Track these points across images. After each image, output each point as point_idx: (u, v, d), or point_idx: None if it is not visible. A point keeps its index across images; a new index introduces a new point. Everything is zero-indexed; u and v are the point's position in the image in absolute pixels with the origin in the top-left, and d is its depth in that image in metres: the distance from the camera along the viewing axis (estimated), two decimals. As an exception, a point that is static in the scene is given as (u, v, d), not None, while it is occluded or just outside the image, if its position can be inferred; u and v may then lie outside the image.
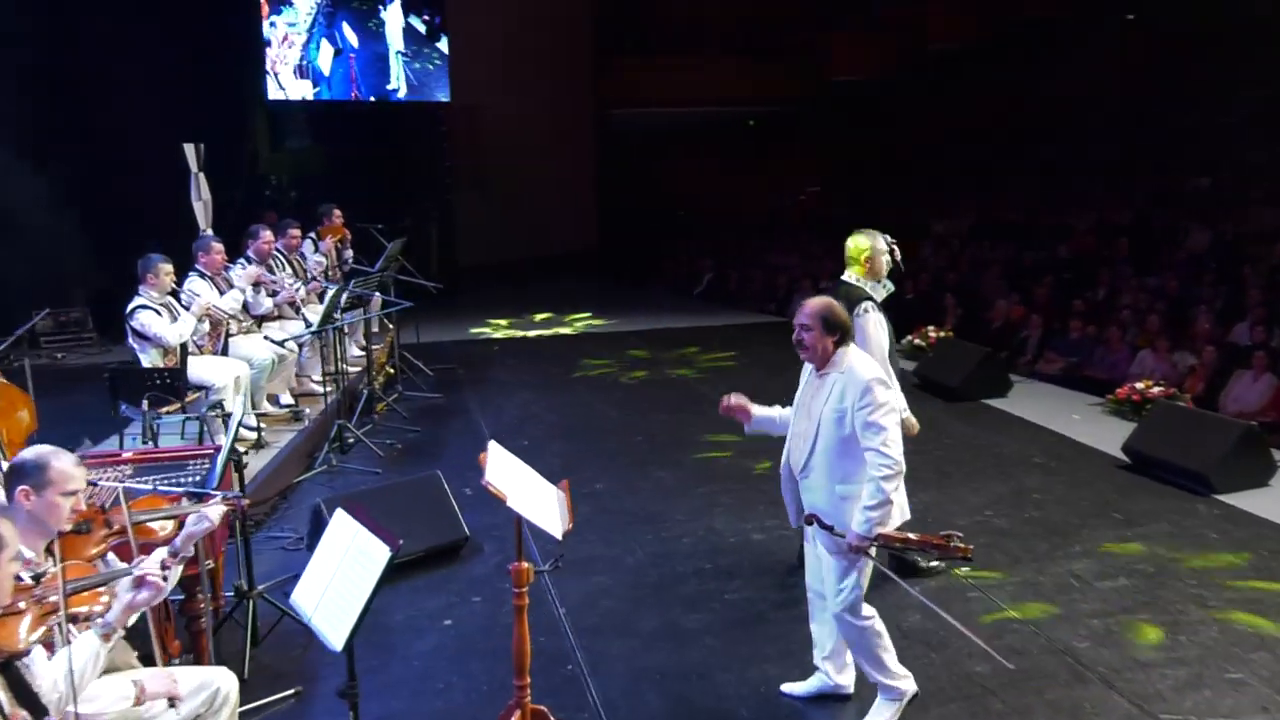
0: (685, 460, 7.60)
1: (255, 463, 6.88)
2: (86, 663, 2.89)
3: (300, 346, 8.11)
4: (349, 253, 9.94)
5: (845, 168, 20.49)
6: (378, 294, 9.69)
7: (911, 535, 3.85)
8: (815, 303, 3.96)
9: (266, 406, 7.99)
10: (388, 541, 3.29)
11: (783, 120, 20.79)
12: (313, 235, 9.70)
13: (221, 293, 7.46)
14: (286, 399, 8.11)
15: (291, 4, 14.04)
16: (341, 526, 3.49)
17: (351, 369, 9.18)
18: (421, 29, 15.09)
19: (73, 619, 2.91)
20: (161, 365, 6.81)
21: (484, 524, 6.39)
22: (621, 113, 18.84)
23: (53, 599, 2.78)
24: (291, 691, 4.53)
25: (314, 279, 8.80)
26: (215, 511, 3.49)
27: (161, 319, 6.78)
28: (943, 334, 10.55)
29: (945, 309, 12.52)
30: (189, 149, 9.25)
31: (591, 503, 6.78)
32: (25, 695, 2.72)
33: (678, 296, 16.14)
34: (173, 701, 3.26)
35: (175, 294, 6.96)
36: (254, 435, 7.24)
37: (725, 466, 7.43)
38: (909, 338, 10.72)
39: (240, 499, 4.05)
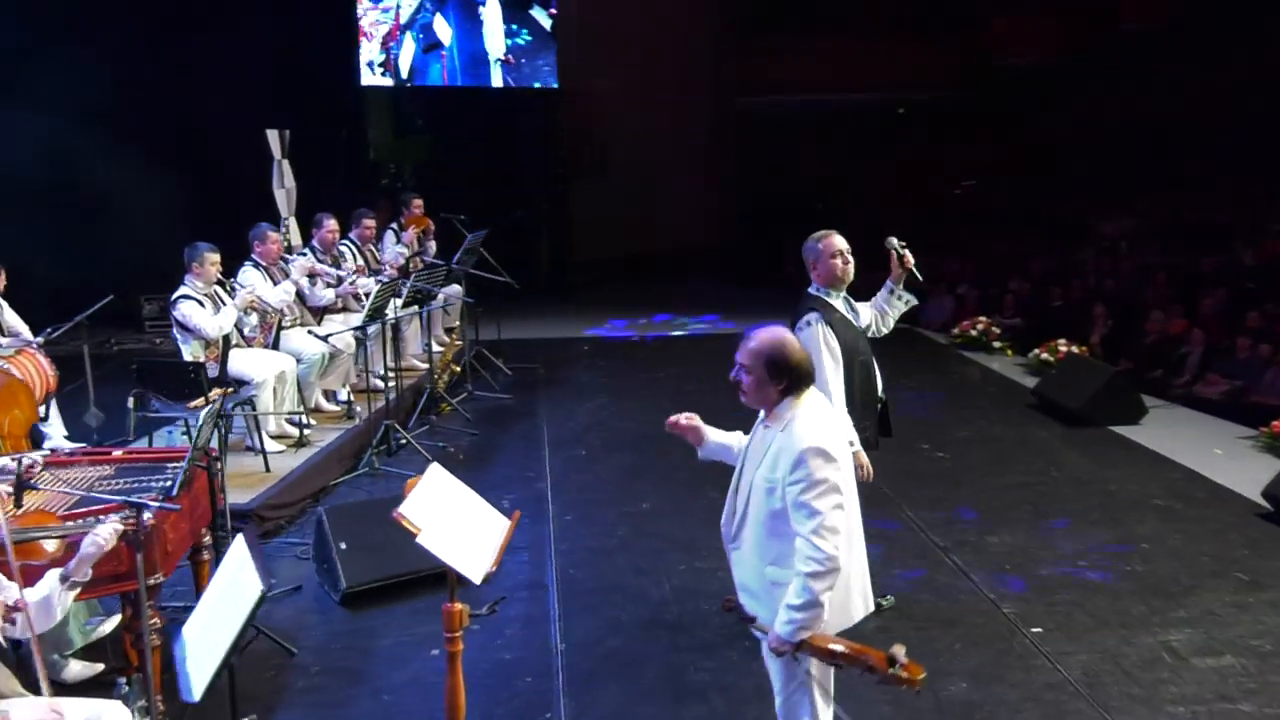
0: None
1: (289, 463, 6.80)
2: None
3: (361, 341, 8.00)
4: (431, 244, 9.84)
5: (1007, 161, 19.23)
6: (457, 287, 9.58)
7: (841, 648, 3.07)
8: (764, 336, 3.18)
9: (321, 402, 7.95)
10: (262, 577, 2.98)
11: (938, 108, 19.68)
12: (394, 226, 9.65)
13: (276, 283, 7.41)
14: (345, 395, 8.02)
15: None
16: (235, 554, 3.22)
17: (423, 366, 9.07)
18: (531, 12, 14.90)
19: None
20: (202, 357, 6.82)
21: (509, 544, 6.08)
22: (752, 100, 18.21)
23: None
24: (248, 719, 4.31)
25: (383, 271, 8.69)
26: (105, 531, 3.28)
27: (204, 310, 6.77)
28: (1073, 348, 9.55)
29: (1093, 319, 11.44)
30: (272, 135, 9.34)
31: (632, 524, 6.39)
32: None
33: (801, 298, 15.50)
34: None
35: (223, 284, 6.94)
36: (296, 433, 7.16)
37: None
38: (1036, 351, 9.81)
39: (162, 509, 3.85)
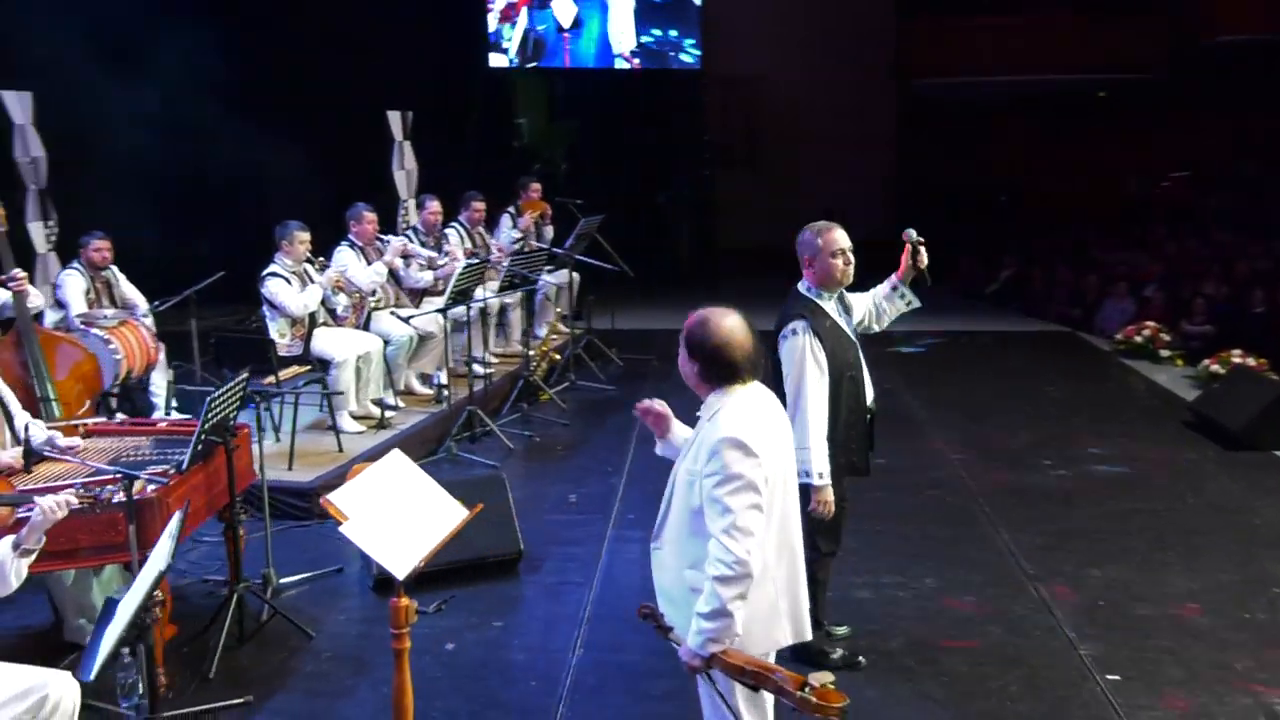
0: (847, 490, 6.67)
1: (365, 443, 6.90)
2: None
3: (460, 325, 8.04)
4: (549, 229, 9.83)
5: (1226, 149, 17.62)
6: (573, 274, 9.54)
7: (752, 667, 2.79)
8: (692, 316, 3.03)
9: (415, 385, 8.05)
10: (170, 554, 2.95)
11: (1142, 91, 18.22)
12: (511, 210, 9.68)
13: (370, 264, 7.55)
14: (440, 378, 8.08)
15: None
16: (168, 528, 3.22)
17: (530, 354, 9.06)
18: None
19: None
20: (288, 335, 7.02)
21: (561, 538, 5.98)
22: (929, 82, 17.34)
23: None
24: (241, 700, 4.37)
25: (492, 255, 8.72)
26: (49, 501, 3.33)
27: (290, 288, 6.96)
28: (1248, 360, 8.53)
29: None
30: (394, 117, 9.54)
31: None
32: None
33: (968, 295, 14.63)
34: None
35: (313, 262, 7.12)
36: (379, 415, 7.26)
37: (879, 501, 6.43)
38: (1205, 361, 8.86)
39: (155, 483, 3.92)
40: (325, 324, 7.24)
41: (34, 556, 3.42)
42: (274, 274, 6.97)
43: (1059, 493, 6.64)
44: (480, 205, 8.94)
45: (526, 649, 4.84)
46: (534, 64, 14.23)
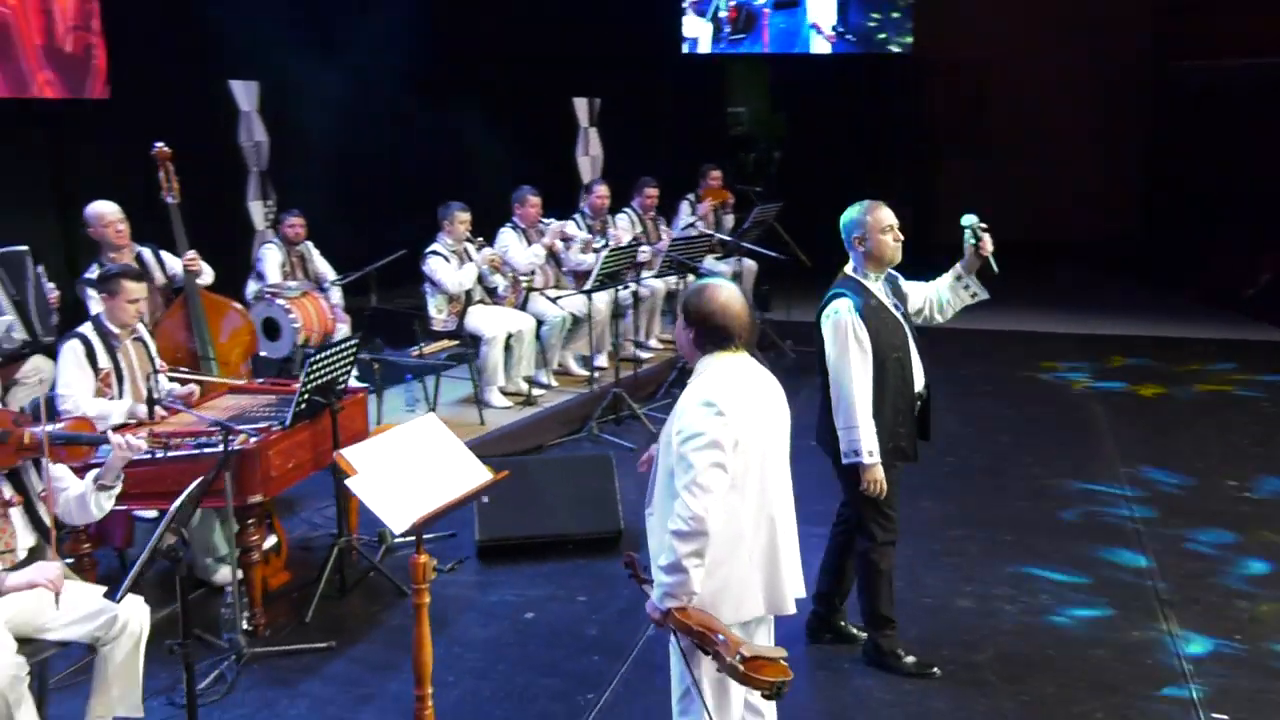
0: (992, 499, 6.37)
1: (505, 419, 7.23)
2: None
3: (628, 309, 8.25)
4: (729, 218, 9.86)
5: None
6: (744, 262, 9.54)
7: (700, 627, 2.83)
8: (693, 285, 3.20)
9: (572, 365, 8.32)
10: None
11: None
12: (690, 197, 9.78)
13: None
14: (601, 361, 8.30)
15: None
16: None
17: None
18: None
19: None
20: (445, 311, 7.46)
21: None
22: (1193, 65, 15.94)
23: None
24: (324, 645, 4.73)
25: (660, 242, 8.86)
26: (120, 440, 3.74)
27: (448, 265, 7.40)
28: None
29: None
30: (580, 103, 9.86)
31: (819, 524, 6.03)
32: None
33: (1223, 299, 13.35)
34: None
35: (472, 241, 7.52)
36: (527, 391, 7.57)
37: (1036, 516, 6.09)
38: None
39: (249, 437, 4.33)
40: (482, 302, 7.63)
41: (115, 492, 3.85)
42: (434, 252, 7.41)
43: (1244, 510, 6.06)
44: (653, 191, 9.09)
45: (601, 624, 4.96)
46: (742, 34, 14.19)
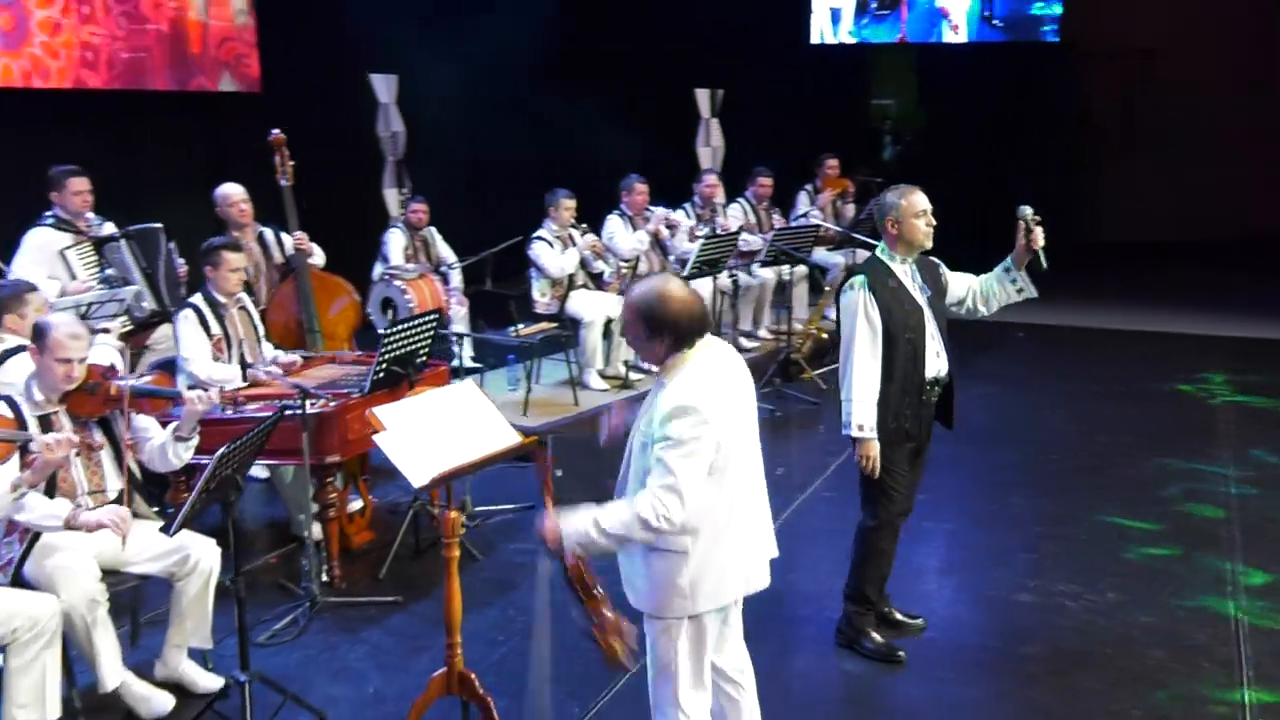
0: (1084, 500, 6.20)
1: (599, 400, 7.48)
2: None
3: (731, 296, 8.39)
4: (850, 208, 9.84)
5: None
6: (863, 252, 9.48)
7: (583, 591, 3.11)
8: (639, 289, 3.11)
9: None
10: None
11: None
12: (808, 188, 9.81)
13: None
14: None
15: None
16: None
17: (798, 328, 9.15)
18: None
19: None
20: (548, 294, 7.78)
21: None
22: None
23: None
24: (390, 599, 5.08)
25: (767, 231, 8.94)
26: (192, 394, 4.14)
27: (552, 250, 7.71)
28: None
29: None
30: (702, 94, 10.02)
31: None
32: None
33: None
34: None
35: (578, 227, 7.81)
36: (625, 375, 7.80)
37: (1122, 532, 5.91)
38: None
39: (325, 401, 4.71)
40: (585, 286, 7.90)
41: (192, 444, 4.26)
42: (540, 237, 7.74)
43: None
44: (766, 181, 9.19)
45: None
46: (887, 11, 14.01)
